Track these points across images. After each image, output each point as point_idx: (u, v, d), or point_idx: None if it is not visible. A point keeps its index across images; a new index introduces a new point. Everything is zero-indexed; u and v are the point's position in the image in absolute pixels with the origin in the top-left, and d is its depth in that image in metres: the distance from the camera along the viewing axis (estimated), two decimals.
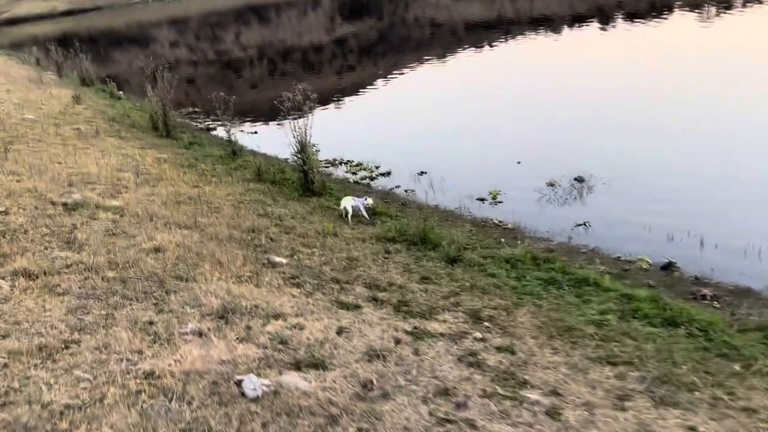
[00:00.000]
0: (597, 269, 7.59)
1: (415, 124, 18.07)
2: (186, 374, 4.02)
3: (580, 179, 11.66)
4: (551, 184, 11.70)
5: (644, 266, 8.47)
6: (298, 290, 5.98)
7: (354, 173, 13.77)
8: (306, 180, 10.65)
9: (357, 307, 5.73)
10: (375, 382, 4.30)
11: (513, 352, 5.12)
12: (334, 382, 4.24)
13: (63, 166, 9.84)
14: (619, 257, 8.79)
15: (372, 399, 4.08)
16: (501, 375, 4.68)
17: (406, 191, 12.26)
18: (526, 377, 4.70)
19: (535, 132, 15.79)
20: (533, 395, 4.39)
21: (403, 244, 8.15)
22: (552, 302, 6.47)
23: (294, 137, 10.55)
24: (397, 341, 5.04)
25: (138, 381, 3.87)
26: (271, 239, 7.67)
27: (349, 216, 9.30)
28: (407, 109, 20.06)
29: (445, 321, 5.66)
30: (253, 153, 14.78)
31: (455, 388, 4.38)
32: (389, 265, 7.23)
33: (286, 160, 14.31)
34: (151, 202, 8.50)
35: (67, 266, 5.68)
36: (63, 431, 3.34)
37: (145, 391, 3.78)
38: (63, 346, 4.24)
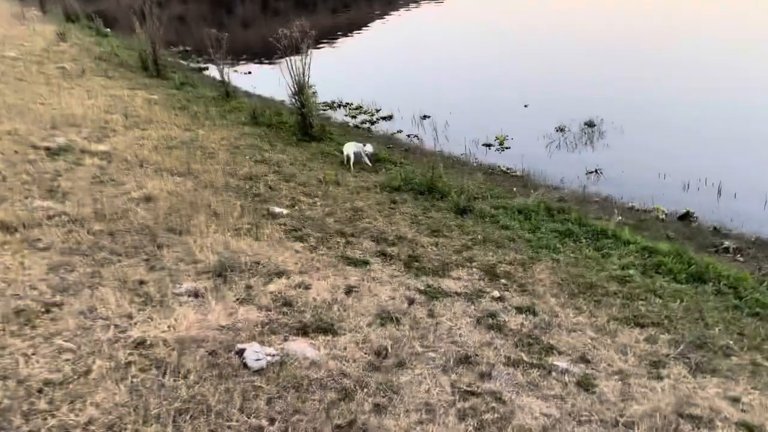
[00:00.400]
0: (613, 220, 7.14)
1: (416, 66, 17.30)
2: (181, 343, 3.58)
3: (590, 124, 11.12)
4: (560, 129, 11.15)
5: (660, 216, 8.05)
6: (302, 244, 5.52)
7: (353, 117, 13.17)
8: (304, 124, 10.04)
9: (365, 263, 5.28)
10: (389, 348, 3.89)
11: (535, 313, 4.72)
12: (345, 349, 3.82)
13: (46, 107, 9.18)
14: (633, 206, 8.37)
15: (387, 369, 3.67)
16: (524, 339, 4.28)
17: (408, 136, 11.69)
18: (552, 342, 4.30)
19: (541, 74, 15.10)
20: (562, 363, 3.99)
21: (409, 194, 7.66)
22: (570, 256, 6.05)
23: (291, 78, 9.89)
24: (411, 301, 4.62)
25: (127, 351, 3.43)
26: (270, 188, 7.17)
27: (352, 163, 8.77)
28: (407, 50, 19.24)
29: (459, 278, 5.23)
30: (248, 94, 14.09)
31: (477, 355, 3.97)
32: (396, 216, 6.76)
33: (282, 102, 13.65)
34: (141, 146, 7.93)
35: (49, 218, 5.17)
36: (42, 411, 2.91)
37: (135, 363, 3.34)
38: (43, 309, 3.77)
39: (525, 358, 4.01)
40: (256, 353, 3.53)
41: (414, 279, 5.08)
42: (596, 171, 9.42)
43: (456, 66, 16.52)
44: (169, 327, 3.74)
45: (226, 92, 12.57)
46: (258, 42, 21.64)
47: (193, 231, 5.37)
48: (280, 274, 4.78)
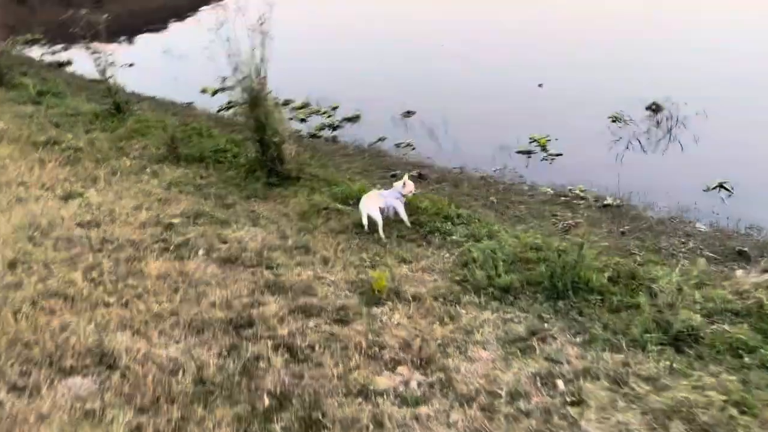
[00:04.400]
0: None
1: (374, 36, 12.88)
2: None
3: (655, 108, 7.72)
4: (617, 119, 7.67)
5: None
6: None
7: (303, 120, 8.90)
8: (268, 157, 5.80)
9: None
10: None
11: None
12: None
13: None
14: None
15: None
16: None
17: (398, 146, 7.74)
18: None
19: (557, 47, 11.22)
20: None
21: (532, 298, 3.88)
22: None
23: (240, 85, 5.60)
24: None
25: None
26: (292, 355, 3.12)
27: (381, 229, 4.79)
28: (356, 15, 14.57)
29: None
30: (142, 99, 9.41)
31: None
32: (568, 397, 2.98)
33: (191, 105, 9.29)
34: None
35: None
36: None
37: None
38: None
39: None
40: None
41: None
42: (722, 186, 6.05)
43: (430, 34, 12.30)
44: None
45: (116, 105, 7.84)
46: (141, 13, 16.21)
47: None
48: None
